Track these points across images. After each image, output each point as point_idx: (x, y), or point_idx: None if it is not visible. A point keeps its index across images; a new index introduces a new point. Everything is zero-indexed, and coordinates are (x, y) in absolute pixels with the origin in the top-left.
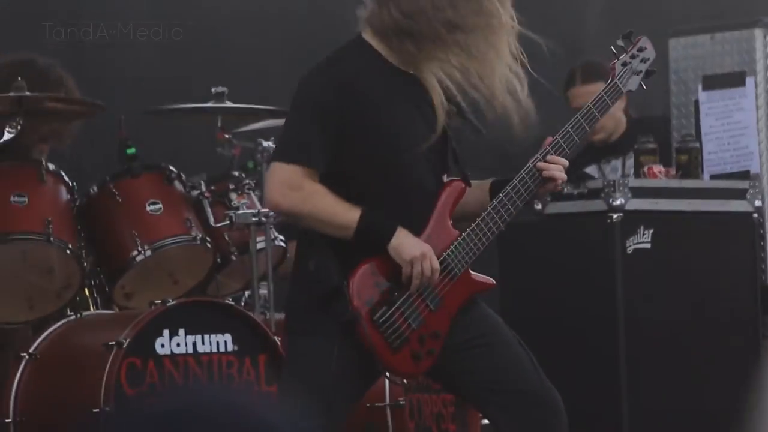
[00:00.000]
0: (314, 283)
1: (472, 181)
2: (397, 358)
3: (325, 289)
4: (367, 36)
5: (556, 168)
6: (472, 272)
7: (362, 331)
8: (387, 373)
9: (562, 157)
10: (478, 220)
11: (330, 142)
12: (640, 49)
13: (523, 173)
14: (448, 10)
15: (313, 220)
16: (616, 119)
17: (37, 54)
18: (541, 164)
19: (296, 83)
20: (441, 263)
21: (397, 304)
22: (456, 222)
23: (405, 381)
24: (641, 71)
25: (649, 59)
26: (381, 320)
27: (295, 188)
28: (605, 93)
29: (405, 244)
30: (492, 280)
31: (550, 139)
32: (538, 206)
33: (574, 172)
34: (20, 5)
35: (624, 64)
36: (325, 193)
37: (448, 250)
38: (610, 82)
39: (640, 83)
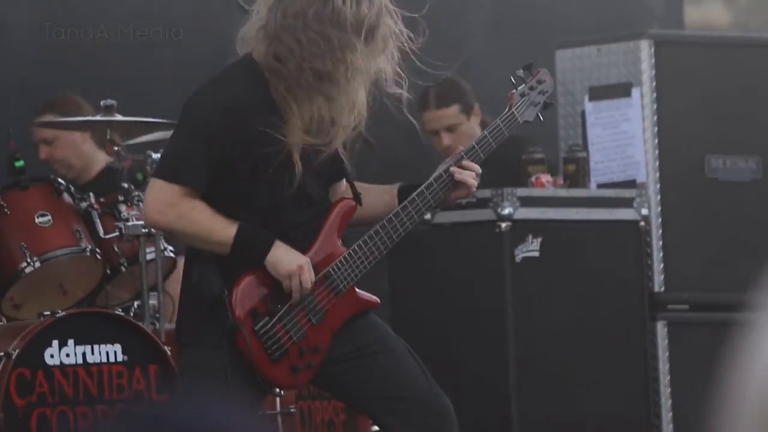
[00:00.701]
0: (198, 294)
1: (378, 185)
2: (275, 369)
3: (207, 299)
4: (255, 56)
5: (469, 174)
6: (357, 290)
7: (242, 341)
8: (267, 386)
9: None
10: (368, 234)
11: (213, 163)
12: (539, 81)
13: (432, 180)
14: (317, 60)
15: (191, 237)
16: (470, 136)
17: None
18: (454, 169)
19: (186, 94)
20: (326, 278)
21: (278, 315)
22: (363, 226)
23: (281, 392)
24: (539, 103)
25: (547, 92)
26: (262, 331)
27: (171, 205)
28: (502, 122)
29: (282, 258)
30: (377, 300)
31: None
32: (427, 216)
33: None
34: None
35: (522, 95)
36: (203, 210)
37: (333, 265)
38: (508, 112)
39: (538, 114)
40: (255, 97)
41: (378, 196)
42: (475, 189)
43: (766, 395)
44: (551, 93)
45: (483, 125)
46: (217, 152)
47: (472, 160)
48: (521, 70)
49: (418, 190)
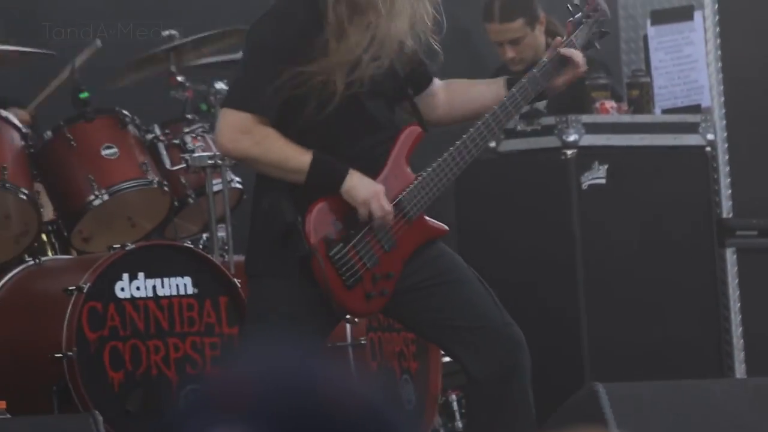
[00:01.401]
0: (269, 222)
1: (486, 80)
2: (350, 295)
3: (280, 227)
4: None
5: (576, 53)
6: (427, 218)
7: (317, 267)
8: (341, 313)
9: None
10: (441, 159)
11: (281, 91)
12: (595, 10)
13: (534, 71)
14: None
15: (265, 165)
16: (535, 47)
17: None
18: (565, 50)
19: (250, 20)
20: (396, 205)
21: (352, 242)
22: (470, 119)
23: (355, 320)
24: (595, 32)
25: (603, 20)
26: (336, 257)
27: (246, 133)
28: (561, 50)
29: (357, 186)
30: (445, 227)
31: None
32: (493, 144)
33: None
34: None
35: (577, 24)
36: (277, 138)
37: (404, 193)
38: (566, 39)
39: (594, 43)
40: (313, 24)
41: (485, 88)
42: (583, 66)
43: None
44: (607, 21)
45: (549, 32)
46: (284, 78)
47: (531, 88)
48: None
49: (523, 79)
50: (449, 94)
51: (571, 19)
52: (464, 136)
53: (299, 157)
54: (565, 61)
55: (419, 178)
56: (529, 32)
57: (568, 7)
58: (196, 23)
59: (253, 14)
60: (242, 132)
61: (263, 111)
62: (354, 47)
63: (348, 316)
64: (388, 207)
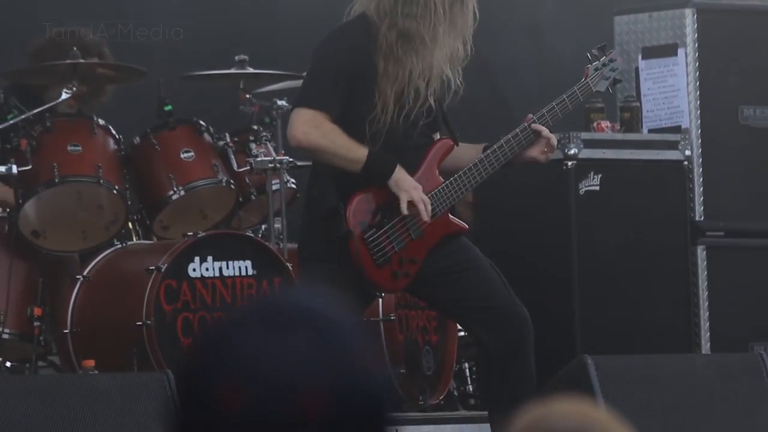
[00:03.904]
0: (317, 206)
1: (468, 144)
2: (379, 272)
3: (325, 210)
4: (369, 14)
5: (548, 134)
6: (450, 215)
7: (353, 245)
8: (371, 288)
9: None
10: (462, 171)
11: (342, 95)
12: (611, 60)
13: (517, 132)
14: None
15: (330, 155)
16: None
17: (79, 26)
18: (536, 126)
19: (306, 51)
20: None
21: (385, 228)
22: (449, 174)
23: (382, 295)
24: (610, 78)
25: (617, 69)
26: (370, 239)
27: (315, 127)
28: (578, 89)
29: (403, 178)
30: (465, 225)
31: (529, 116)
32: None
33: None
34: (20, 4)
35: (596, 69)
36: (340, 133)
37: (433, 193)
38: (583, 82)
39: (608, 88)
40: (366, 46)
41: (467, 151)
42: (553, 146)
43: None
44: (620, 71)
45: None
46: (344, 86)
47: (551, 118)
48: (596, 49)
49: (498, 143)
50: None
51: (589, 65)
52: (481, 155)
53: (358, 150)
54: (536, 135)
55: (446, 182)
56: None
57: (587, 54)
58: (266, 51)
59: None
60: (313, 126)
61: (328, 109)
62: (401, 71)
63: (377, 292)
64: (425, 198)
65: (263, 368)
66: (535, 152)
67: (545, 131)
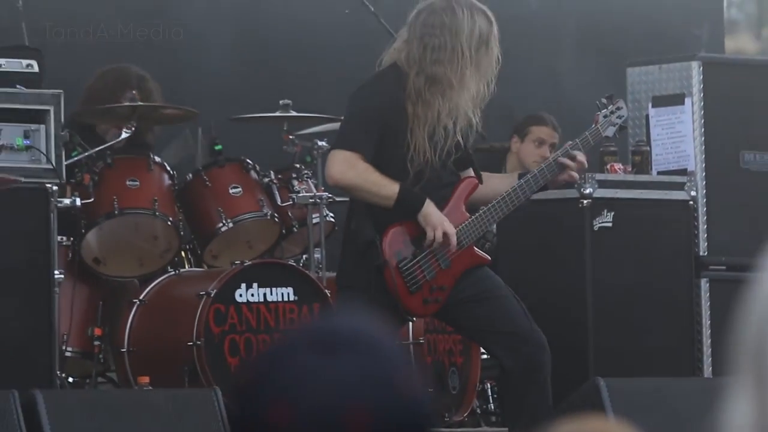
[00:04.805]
0: (354, 239)
1: (503, 174)
2: (411, 299)
3: (362, 242)
4: (400, 64)
5: (573, 164)
6: (475, 248)
7: (389, 274)
8: (404, 313)
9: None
10: (486, 207)
11: (374, 138)
12: (618, 108)
13: (543, 166)
14: (435, 66)
15: (364, 192)
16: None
17: (128, 64)
18: (562, 159)
19: (344, 97)
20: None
21: (417, 258)
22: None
23: (414, 319)
24: (617, 124)
25: (623, 117)
26: (404, 268)
27: (351, 167)
28: (589, 134)
29: (432, 213)
30: (488, 257)
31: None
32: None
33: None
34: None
35: (605, 116)
36: (373, 171)
37: (460, 227)
38: (594, 128)
39: (615, 133)
40: (396, 93)
41: (501, 181)
42: (576, 175)
43: (762, 327)
44: (626, 118)
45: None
46: (377, 129)
47: (551, 170)
48: (604, 98)
49: (530, 173)
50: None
51: (599, 112)
52: (494, 201)
53: (390, 187)
54: (564, 166)
55: (471, 218)
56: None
57: (597, 103)
58: (307, 96)
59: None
60: (348, 166)
61: (362, 150)
62: (430, 112)
63: (409, 317)
64: (451, 231)
65: (311, 389)
66: (565, 177)
67: (569, 162)
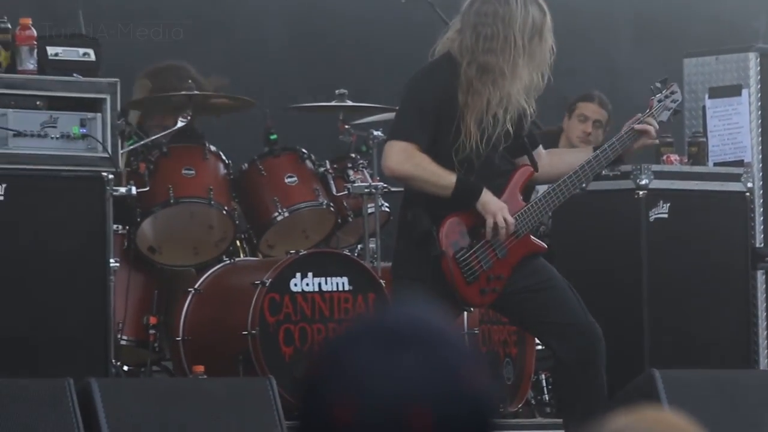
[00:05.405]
0: (411, 229)
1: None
2: (468, 289)
3: (419, 233)
4: (453, 53)
5: (651, 125)
6: (531, 236)
7: (446, 265)
8: (461, 303)
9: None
10: (548, 189)
11: (430, 128)
12: (672, 92)
13: (622, 134)
14: (488, 55)
15: (421, 182)
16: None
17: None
18: (639, 126)
19: (399, 87)
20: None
21: (474, 249)
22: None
23: (471, 310)
24: (671, 108)
25: (678, 101)
26: (461, 258)
27: (408, 157)
28: (644, 118)
29: (490, 201)
30: (544, 245)
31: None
32: (583, 185)
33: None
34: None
35: (659, 101)
36: (430, 161)
37: (516, 215)
38: (648, 113)
39: (669, 118)
40: (450, 83)
41: (576, 155)
42: (655, 135)
43: None
44: (681, 102)
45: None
46: (432, 120)
47: (620, 145)
48: (659, 83)
49: (605, 144)
50: (552, 158)
51: (653, 97)
52: (560, 180)
53: (447, 177)
54: (640, 133)
55: (527, 205)
56: (604, 127)
57: (651, 87)
58: (363, 85)
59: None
60: (405, 156)
61: (419, 141)
62: (480, 101)
63: (466, 307)
64: (510, 219)
65: (375, 383)
66: (641, 143)
67: (646, 127)
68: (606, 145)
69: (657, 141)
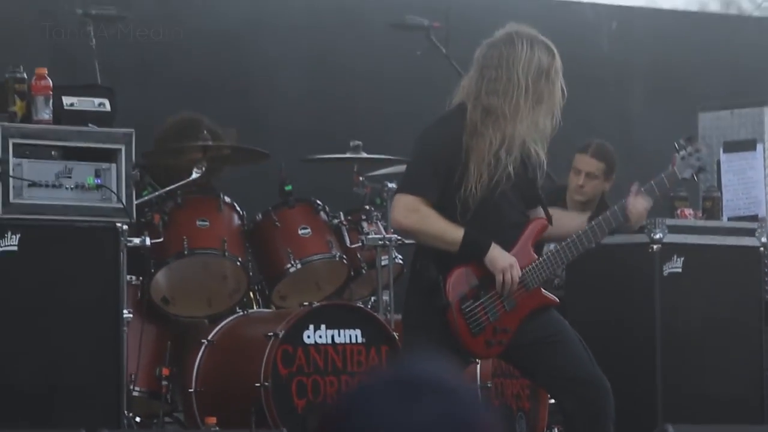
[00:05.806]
0: (419, 279)
1: (574, 212)
2: (473, 341)
3: (427, 283)
4: (464, 100)
5: (641, 204)
6: (543, 290)
7: (451, 316)
8: (466, 355)
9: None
10: (555, 249)
11: (440, 181)
12: (697, 150)
13: (615, 207)
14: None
15: (427, 237)
16: (598, 192)
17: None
18: (631, 207)
19: (413, 137)
20: (520, 277)
21: (481, 300)
22: (559, 241)
23: (478, 361)
24: (695, 166)
25: (702, 159)
26: (467, 309)
27: (414, 211)
28: (665, 176)
29: (498, 257)
30: (556, 299)
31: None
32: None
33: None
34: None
35: (683, 158)
36: (437, 216)
37: (527, 268)
38: (671, 170)
39: (693, 175)
40: (461, 132)
41: (572, 219)
42: (643, 218)
43: None
44: (706, 161)
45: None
46: (443, 172)
47: (606, 225)
48: (683, 140)
49: (600, 216)
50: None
51: (677, 154)
52: (563, 242)
53: (454, 231)
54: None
55: (539, 259)
56: (602, 178)
57: (674, 144)
58: (377, 137)
59: None
60: (412, 211)
61: (427, 195)
62: (483, 143)
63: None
64: (517, 276)
65: None
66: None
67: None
68: (598, 220)
69: (635, 229)
